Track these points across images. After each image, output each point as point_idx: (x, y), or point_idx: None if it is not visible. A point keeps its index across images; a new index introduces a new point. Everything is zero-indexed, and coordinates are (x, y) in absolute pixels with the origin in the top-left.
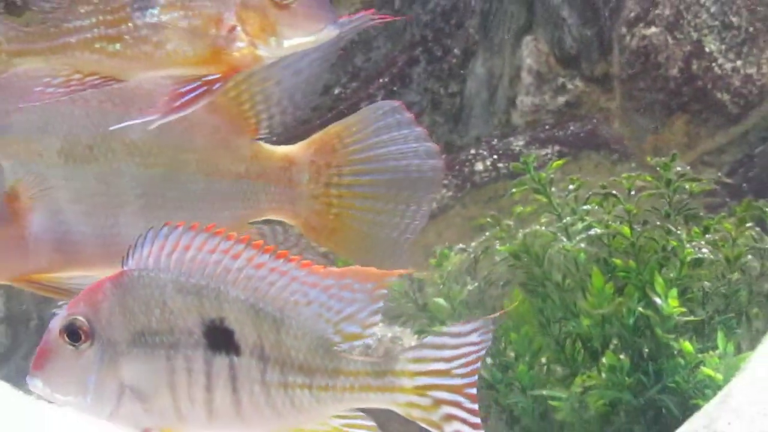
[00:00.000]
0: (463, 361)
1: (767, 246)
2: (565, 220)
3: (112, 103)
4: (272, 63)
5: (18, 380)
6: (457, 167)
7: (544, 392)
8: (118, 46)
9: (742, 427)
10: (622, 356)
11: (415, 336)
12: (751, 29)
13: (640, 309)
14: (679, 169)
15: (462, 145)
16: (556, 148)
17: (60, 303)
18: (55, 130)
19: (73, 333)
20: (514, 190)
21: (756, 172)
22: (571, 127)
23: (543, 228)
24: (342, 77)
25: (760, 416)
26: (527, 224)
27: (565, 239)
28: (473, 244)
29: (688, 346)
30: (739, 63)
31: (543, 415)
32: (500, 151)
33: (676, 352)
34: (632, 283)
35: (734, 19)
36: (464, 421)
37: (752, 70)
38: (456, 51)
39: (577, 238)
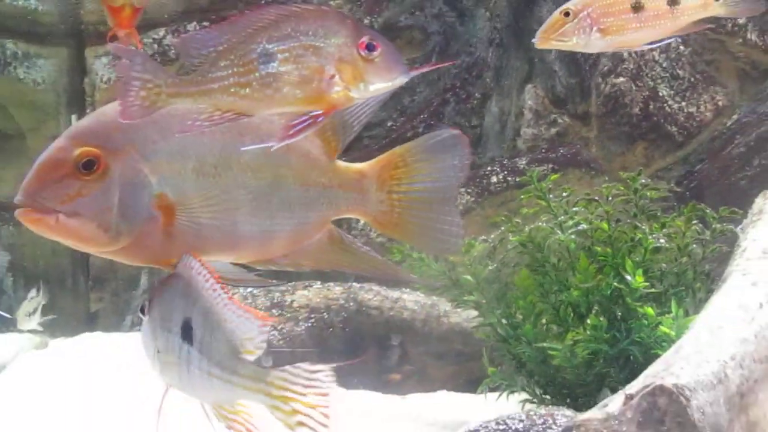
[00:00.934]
0: (314, 388)
1: (707, 237)
2: (559, 219)
3: (230, 133)
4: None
5: None
6: (477, 180)
7: (544, 344)
8: (247, 90)
9: (691, 370)
10: (601, 318)
11: (450, 303)
12: (692, 79)
13: (615, 284)
14: (642, 181)
15: (480, 164)
16: (550, 165)
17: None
18: (190, 154)
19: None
20: (522, 196)
21: (696, 184)
22: (561, 151)
23: (543, 224)
24: (393, 114)
25: (704, 362)
26: (531, 221)
27: (559, 232)
28: (492, 236)
29: (650, 310)
30: (683, 104)
31: (543, 361)
32: (509, 168)
33: (641, 316)
34: (609, 265)
35: (680, 72)
36: (312, 429)
37: (693, 109)
38: (476, 95)
39: (569, 231)
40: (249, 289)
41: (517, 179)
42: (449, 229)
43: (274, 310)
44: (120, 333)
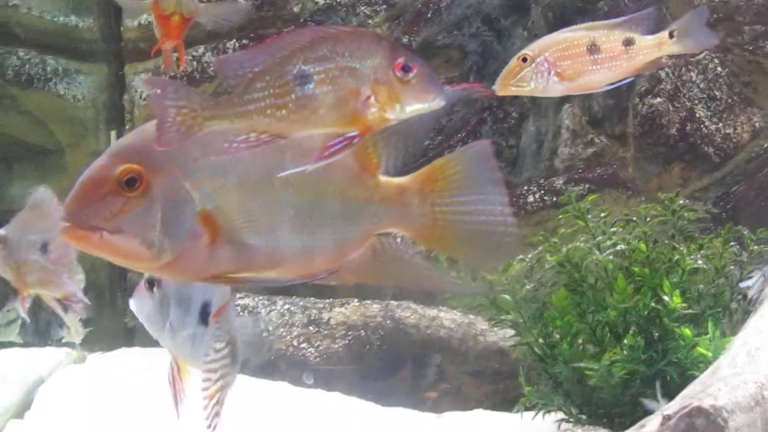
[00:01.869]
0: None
1: (744, 259)
2: (597, 239)
3: (272, 149)
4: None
5: None
6: (514, 199)
7: (581, 364)
8: (283, 111)
9: (728, 392)
10: (638, 338)
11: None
12: (729, 100)
13: (652, 304)
14: (680, 202)
15: (517, 183)
16: (586, 186)
17: None
18: (231, 170)
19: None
20: (560, 216)
21: (732, 205)
22: (597, 171)
23: (581, 244)
24: (430, 133)
25: (742, 384)
26: (568, 241)
27: (597, 252)
28: (529, 255)
29: (687, 331)
30: (720, 125)
31: (580, 381)
32: (545, 188)
33: (678, 336)
34: (646, 285)
35: (717, 93)
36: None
37: (730, 131)
38: (514, 114)
39: (607, 252)
40: (286, 306)
41: (554, 199)
42: (498, 240)
43: (311, 327)
44: (157, 348)
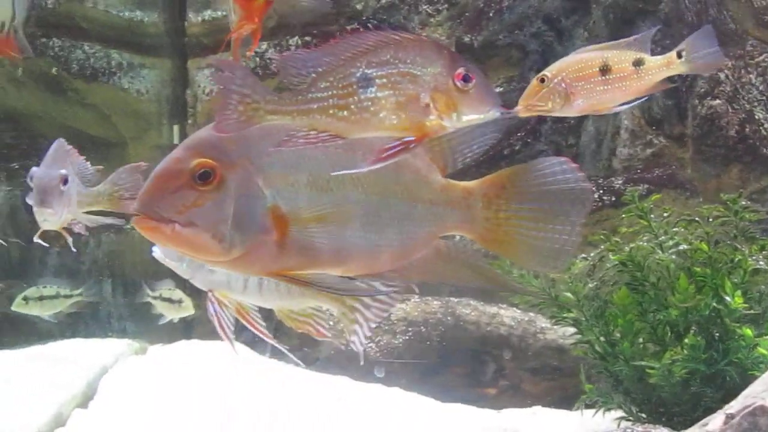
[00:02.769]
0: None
1: None
2: (660, 239)
3: (343, 149)
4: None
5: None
6: None
7: (642, 363)
8: (345, 112)
9: None
10: (699, 338)
11: (546, 320)
12: None
13: (714, 304)
14: (742, 203)
15: None
16: (645, 186)
17: None
18: (303, 167)
19: None
20: (623, 215)
21: None
22: (656, 171)
23: (644, 243)
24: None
25: None
26: (629, 241)
27: (660, 252)
28: (591, 254)
29: (748, 331)
30: None
31: (640, 379)
32: (604, 188)
33: (738, 336)
34: (708, 285)
35: None
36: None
37: None
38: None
39: (669, 251)
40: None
41: (613, 198)
42: (560, 248)
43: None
44: (215, 341)
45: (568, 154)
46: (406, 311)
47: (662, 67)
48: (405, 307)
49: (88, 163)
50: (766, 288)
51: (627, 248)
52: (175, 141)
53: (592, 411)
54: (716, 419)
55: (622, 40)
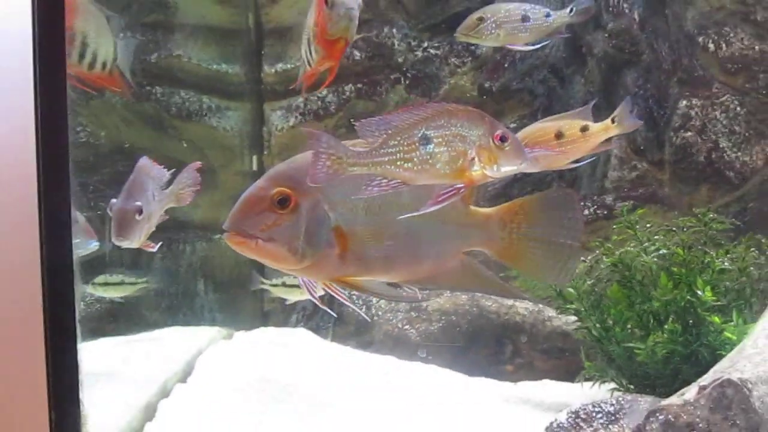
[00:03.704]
0: None
1: (762, 261)
2: (644, 245)
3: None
4: None
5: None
6: None
7: (631, 344)
8: (409, 164)
9: (752, 367)
10: (677, 325)
11: (554, 310)
12: (747, 134)
13: (688, 297)
14: (711, 215)
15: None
16: (631, 202)
17: None
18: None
19: None
20: (614, 226)
21: (749, 219)
22: (640, 190)
23: (631, 248)
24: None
25: (763, 362)
26: (620, 246)
27: (644, 255)
28: (589, 257)
29: (716, 319)
30: (739, 154)
31: (629, 358)
32: (598, 203)
33: (708, 323)
34: (684, 282)
35: (737, 128)
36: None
37: (747, 158)
38: None
39: (652, 255)
40: None
41: (605, 212)
42: (562, 266)
43: (412, 313)
44: (287, 328)
45: (570, 176)
46: (440, 303)
47: (602, 131)
48: (439, 300)
49: (165, 169)
50: (731, 284)
51: (618, 252)
52: (254, 168)
53: (591, 383)
54: (692, 390)
55: (570, 112)
